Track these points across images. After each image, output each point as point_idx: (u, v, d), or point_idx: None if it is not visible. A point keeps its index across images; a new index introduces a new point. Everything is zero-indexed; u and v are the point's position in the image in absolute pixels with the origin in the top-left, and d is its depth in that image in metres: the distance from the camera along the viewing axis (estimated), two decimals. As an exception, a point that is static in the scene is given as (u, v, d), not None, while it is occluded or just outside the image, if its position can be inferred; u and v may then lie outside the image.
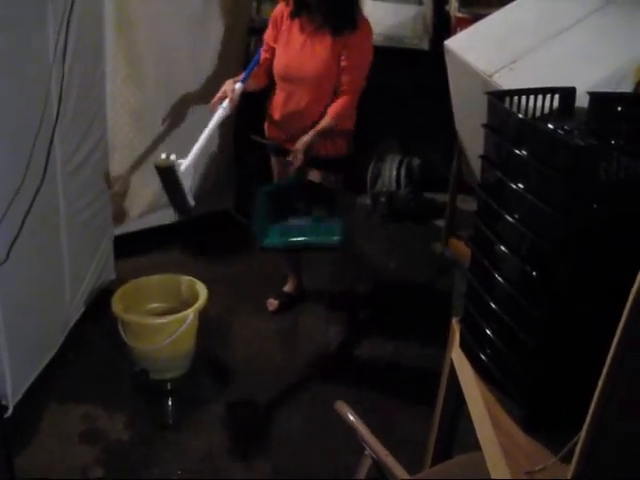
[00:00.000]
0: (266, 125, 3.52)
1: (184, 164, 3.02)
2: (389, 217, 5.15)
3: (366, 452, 1.73)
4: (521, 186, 1.47)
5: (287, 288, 4.02)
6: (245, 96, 3.33)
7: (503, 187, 1.55)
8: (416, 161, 5.25)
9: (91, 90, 3.49)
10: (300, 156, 3.18)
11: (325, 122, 3.26)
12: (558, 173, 1.35)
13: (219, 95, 3.27)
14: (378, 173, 5.20)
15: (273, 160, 3.62)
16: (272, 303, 3.94)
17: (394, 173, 5.14)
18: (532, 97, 1.69)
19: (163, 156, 2.97)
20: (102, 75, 3.63)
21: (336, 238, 3.09)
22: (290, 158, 3.21)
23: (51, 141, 2.93)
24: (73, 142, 3.30)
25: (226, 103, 3.24)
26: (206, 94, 4.39)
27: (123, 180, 4.20)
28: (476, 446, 1.70)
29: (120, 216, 4.24)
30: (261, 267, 4.36)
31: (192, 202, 3.06)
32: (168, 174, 2.97)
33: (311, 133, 3.23)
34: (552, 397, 1.51)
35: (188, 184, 3.05)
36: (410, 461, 1.71)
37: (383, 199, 5.13)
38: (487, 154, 1.67)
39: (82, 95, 3.32)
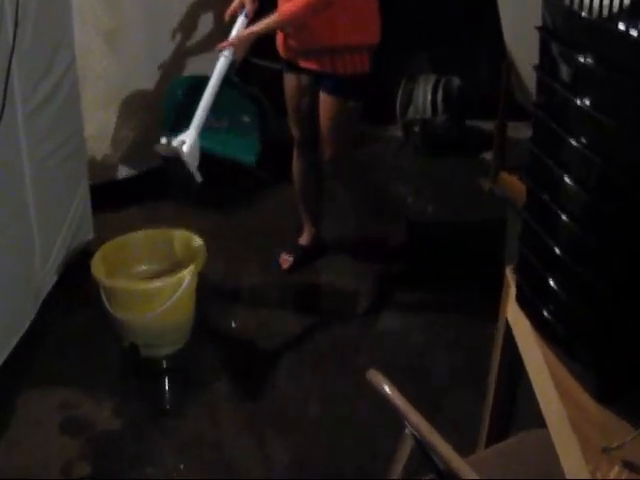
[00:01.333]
0: (277, 40, 3.54)
1: (187, 142, 3.09)
2: (424, 150, 5.12)
3: (406, 431, 1.74)
4: (587, 102, 1.46)
5: (303, 240, 4.04)
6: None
7: (565, 105, 1.53)
8: (455, 81, 5.20)
9: (54, 8, 3.46)
10: (229, 53, 3.32)
11: (268, 20, 3.32)
12: (632, 83, 1.33)
13: (236, 4, 3.43)
14: (410, 97, 5.17)
15: (286, 76, 3.65)
16: (285, 260, 3.96)
17: (429, 96, 5.10)
18: (598, -9, 1.66)
19: (164, 140, 3.09)
20: (66, -13, 3.62)
21: (251, 158, 3.17)
22: (217, 47, 3.35)
23: (7, 72, 2.91)
24: (35, 73, 3.29)
25: (228, 52, 3.32)
26: (195, 6, 4.39)
27: (98, 119, 4.20)
28: (539, 422, 1.71)
29: (97, 162, 4.25)
30: (270, 217, 4.38)
31: (200, 179, 3.25)
32: (174, 162, 3.17)
33: (248, 30, 3.34)
34: (631, 360, 1.51)
35: (195, 162, 3.23)
36: (461, 442, 1.72)
37: (417, 128, 5.11)
38: (543, 65, 1.65)
39: (43, 14, 3.29)
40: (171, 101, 3.51)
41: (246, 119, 3.52)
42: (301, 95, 3.61)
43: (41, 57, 3.35)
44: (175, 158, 3.21)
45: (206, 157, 3.34)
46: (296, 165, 3.86)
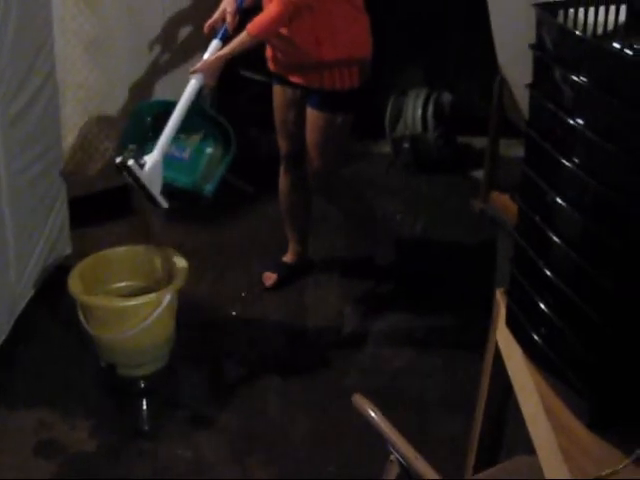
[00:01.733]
0: (267, 53, 3.59)
1: (148, 164, 3.10)
2: (414, 167, 5.13)
3: (392, 457, 1.75)
4: (581, 122, 1.47)
5: (287, 258, 4.04)
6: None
7: (558, 125, 1.54)
8: (447, 96, 5.22)
9: (35, 15, 3.47)
10: (198, 77, 3.30)
11: (238, 39, 3.33)
12: (627, 104, 1.35)
13: (217, 16, 3.42)
14: (399, 112, 5.18)
15: (275, 89, 3.68)
16: (269, 277, 3.96)
17: (419, 112, 5.11)
18: (592, 9, 1.68)
19: (118, 160, 3.13)
20: (47, -6, 3.62)
21: (208, 187, 3.31)
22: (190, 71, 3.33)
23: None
24: (13, 82, 3.29)
25: (197, 77, 3.31)
26: (179, 17, 4.40)
27: (78, 129, 4.20)
28: (528, 448, 1.72)
29: (76, 175, 4.24)
30: (254, 233, 4.39)
31: (164, 203, 3.23)
32: (128, 173, 3.13)
33: (217, 54, 3.33)
34: (623, 386, 1.52)
35: (158, 183, 3.18)
36: (447, 469, 1.73)
37: (406, 145, 5.11)
38: (537, 84, 1.67)
39: (23, 22, 3.30)
40: (134, 125, 3.47)
41: (209, 150, 3.50)
42: (289, 108, 3.64)
43: (20, 66, 3.35)
44: (133, 179, 3.16)
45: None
46: (282, 181, 3.86)
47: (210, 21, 3.48)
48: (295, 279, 3.97)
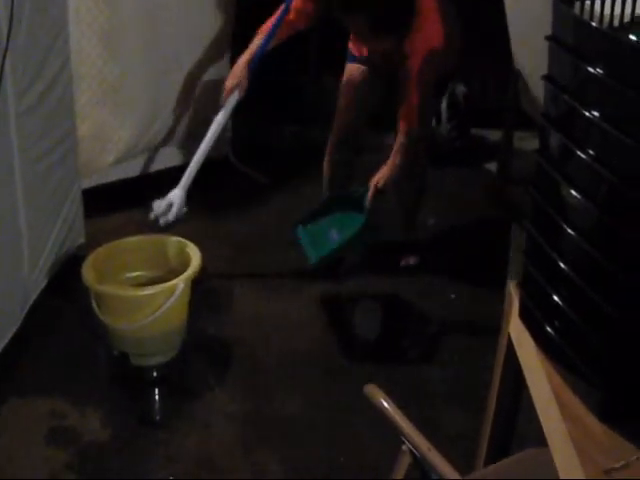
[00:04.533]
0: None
1: (174, 206, 3.67)
2: (427, 160, 5.13)
3: (404, 447, 1.75)
4: (597, 114, 1.47)
5: None
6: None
7: (574, 116, 1.54)
8: (461, 88, 5.21)
9: (50, 7, 3.47)
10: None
11: (252, 44, 3.66)
12: (643, 95, 1.35)
13: (231, 83, 3.64)
14: (412, 105, 5.17)
15: (350, 66, 3.81)
16: None
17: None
18: (608, 1, 1.67)
19: (152, 216, 3.64)
20: (63, -14, 3.63)
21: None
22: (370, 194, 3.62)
23: (0, 72, 2.92)
24: (28, 72, 3.30)
25: (221, 114, 3.72)
26: (194, 13, 4.41)
27: (92, 119, 4.20)
28: (540, 441, 1.72)
29: (90, 165, 4.25)
30: (267, 224, 4.40)
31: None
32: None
33: (242, 59, 3.67)
34: (635, 378, 1.52)
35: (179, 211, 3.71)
36: (459, 461, 1.73)
37: (419, 138, 5.11)
38: (552, 75, 1.66)
39: (38, 14, 3.30)
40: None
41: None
42: (364, 86, 3.79)
43: (35, 57, 3.35)
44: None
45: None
46: (330, 162, 3.99)
47: (226, 90, 3.69)
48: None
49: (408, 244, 4.17)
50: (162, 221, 3.65)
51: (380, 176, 3.65)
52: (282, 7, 3.67)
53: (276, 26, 3.65)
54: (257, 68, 3.68)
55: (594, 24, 1.56)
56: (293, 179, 4.86)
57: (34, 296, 3.53)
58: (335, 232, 3.76)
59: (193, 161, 3.75)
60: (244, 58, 3.66)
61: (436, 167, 5.04)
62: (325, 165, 4.00)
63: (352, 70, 3.79)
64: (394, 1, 3.36)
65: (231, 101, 3.68)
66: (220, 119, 3.72)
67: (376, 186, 3.65)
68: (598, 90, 1.47)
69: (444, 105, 5.09)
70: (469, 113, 5.20)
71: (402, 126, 3.58)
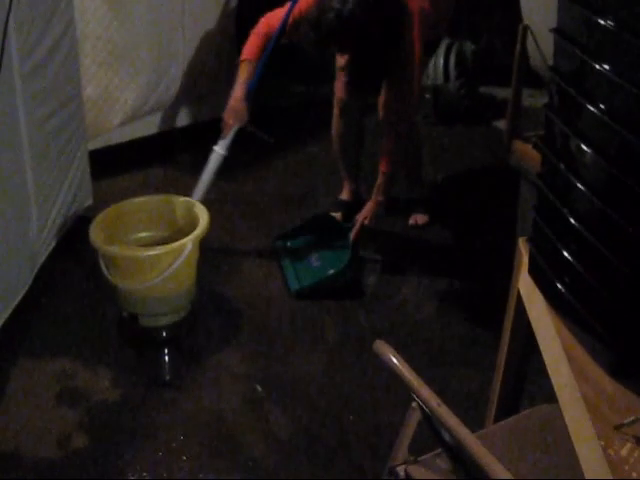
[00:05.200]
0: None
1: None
2: (436, 118, 5.11)
3: (413, 404, 1.75)
4: (607, 67, 1.45)
5: (344, 195, 4.20)
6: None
7: (584, 69, 1.53)
8: (468, 45, 5.18)
9: (53, -36, 3.45)
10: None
11: (240, 71, 3.61)
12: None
13: (230, 119, 3.61)
14: (420, 62, 5.14)
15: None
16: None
17: (441, 61, 5.09)
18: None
19: None
20: (66, -56, 3.59)
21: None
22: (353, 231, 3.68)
23: (4, 30, 2.90)
24: (33, 32, 3.28)
25: (220, 146, 3.66)
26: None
27: (98, 80, 4.19)
28: (550, 399, 1.72)
29: (97, 126, 4.24)
30: (277, 184, 4.41)
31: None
32: None
33: (234, 95, 3.58)
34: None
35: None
36: (469, 419, 1.72)
37: (428, 95, 5.09)
38: (562, 27, 1.64)
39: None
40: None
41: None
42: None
43: (39, 17, 3.33)
44: None
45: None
46: (337, 123, 3.99)
47: (226, 127, 3.65)
48: (354, 215, 3.98)
49: (416, 202, 4.15)
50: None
51: (366, 214, 3.70)
52: (271, 30, 3.59)
53: (269, 52, 3.60)
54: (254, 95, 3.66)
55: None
56: (300, 138, 4.85)
57: (43, 258, 3.53)
58: (315, 258, 3.80)
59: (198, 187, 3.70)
60: (238, 92, 3.58)
61: (445, 125, 5.05)
62: (334, 123, 4.00)
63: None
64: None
65: (231, 133, 3.64)
66: (220, 150, 3.66)
67: (362, 222, 3.68)
68: (608, 42, 1.46)
69: (452, 63, 5.06)
70: (477, 70, 5.17)
71: (394, 120, 3.63)
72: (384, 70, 3.45)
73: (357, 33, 3.27)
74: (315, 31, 3.29)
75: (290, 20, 3.51)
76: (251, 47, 3.59)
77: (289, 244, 3.88)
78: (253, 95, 3.62)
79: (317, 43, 3.35)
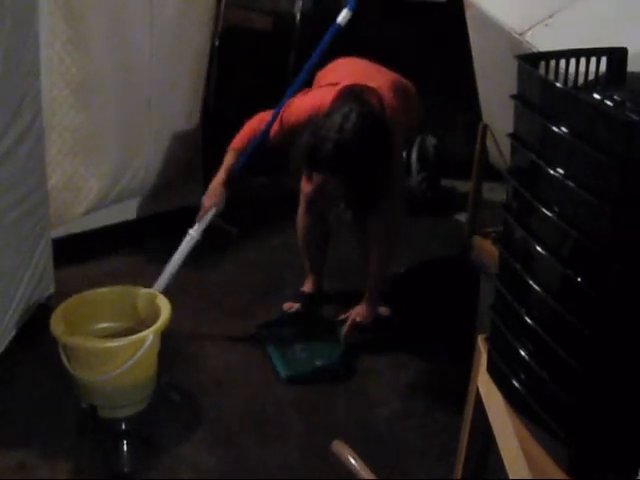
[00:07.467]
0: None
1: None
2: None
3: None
4: (561, 171, 1.49)
5: (306, 288, 4.16)
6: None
7: (539, 173, 1.56)
8: (431, 140, 5.26)
9: (22, 57, 3.48)
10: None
11: (224, 162, 3.73)
12: (606, 155, 1.36)
13: (208, 203, 3.70)
14: (383, 156, 5.21)
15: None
16: (291, 305, 4.06)
17: (403, 156, 5.15)
18: (573, 60, 1.71)
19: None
20: (36, 37, 3.63)
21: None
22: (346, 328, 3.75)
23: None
24: (0, 123, 3.30)
25: (195, 229, 3.71)
26: (166, 61, 4.43)
27: (63, 169, 4.20)
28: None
29: (61, 215, 4.25)
30: (241, 275, 4.40)
31: None
32: None
33: (215, 179, 3.69)
34: (604, 433, 1.53)
35: None
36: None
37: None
38: (518, 132, 1.69)
39: (10, 63, 3.31)
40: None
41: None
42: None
43: (6, 106, 3.35)
44: None
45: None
46: (303, 219, 3.98)
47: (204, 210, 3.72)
48: (315, 308, 4.03)
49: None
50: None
51: (362, 315, 3.78)
52: (261, 126, 3.67)
53: (255, 146, 3.67)
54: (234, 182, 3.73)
55: (558, 84, 1.59)
56: (262, 230, 4.88)
57: (2, 347, 3.50)
58: (300, 349, 3.78)
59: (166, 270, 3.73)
60: (221, 177, 3.66)
61: (407, 217, 5.09)
62: (299, 219, 4.02)
63: (305, 183, 3.84)
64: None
65: (207, 218, 3.70)
66: (194, 234, 3.72)
67: (354, 320, 3.74)
68: (562, 148, 1.49)
69: (414, 157, 5.14)
70: (439, 165, 5.25)
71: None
72: (378, 187, 3.43)
73: (355, 161, 3.28)
74: (308, 159, 3.35)
75: (277, 127, 3.59)
76: (241, 138, 3.68)
77: (273, 329, 3.88)
78: (234, 183, 3.70)
79: (308, 168, 3.42)
